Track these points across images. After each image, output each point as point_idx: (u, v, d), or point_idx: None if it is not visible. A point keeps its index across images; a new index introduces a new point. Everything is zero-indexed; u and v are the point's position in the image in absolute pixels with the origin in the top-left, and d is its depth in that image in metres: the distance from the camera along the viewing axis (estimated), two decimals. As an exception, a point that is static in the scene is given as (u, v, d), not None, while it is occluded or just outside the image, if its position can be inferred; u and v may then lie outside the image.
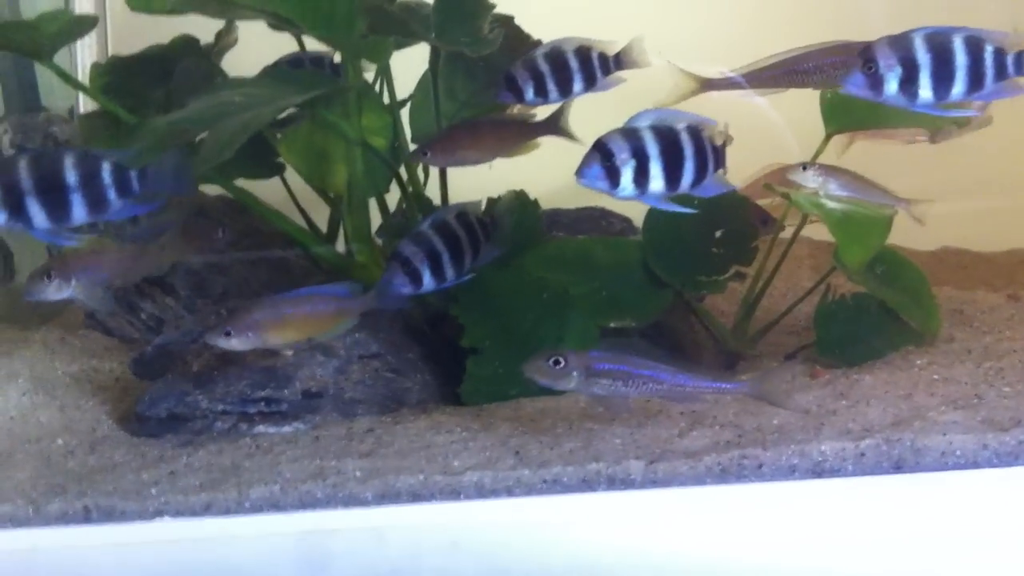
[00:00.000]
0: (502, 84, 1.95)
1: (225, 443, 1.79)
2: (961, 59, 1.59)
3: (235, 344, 1.76)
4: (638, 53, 1.96)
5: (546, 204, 2.41)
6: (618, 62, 1.97)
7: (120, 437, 1.89)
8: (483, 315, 2.06)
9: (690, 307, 2.20)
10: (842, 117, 2.22)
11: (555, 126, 2.01)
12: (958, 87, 1.60)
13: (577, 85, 1.95)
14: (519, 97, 1.94)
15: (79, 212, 1.71)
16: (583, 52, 1.95)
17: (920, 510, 1.46)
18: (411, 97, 2.34)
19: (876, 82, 1.60)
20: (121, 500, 1.62)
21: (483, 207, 2.07)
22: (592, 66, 1.95)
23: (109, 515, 1.61)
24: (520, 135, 2.00)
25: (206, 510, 1.59)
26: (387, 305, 1.88)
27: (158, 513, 1.59)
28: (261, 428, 1.83)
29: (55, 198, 1.69)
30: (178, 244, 2.10)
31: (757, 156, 2.22)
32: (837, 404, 1.72)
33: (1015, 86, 1.64)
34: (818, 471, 1.53)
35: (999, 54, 1.61)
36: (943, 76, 1.59)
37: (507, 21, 2.26)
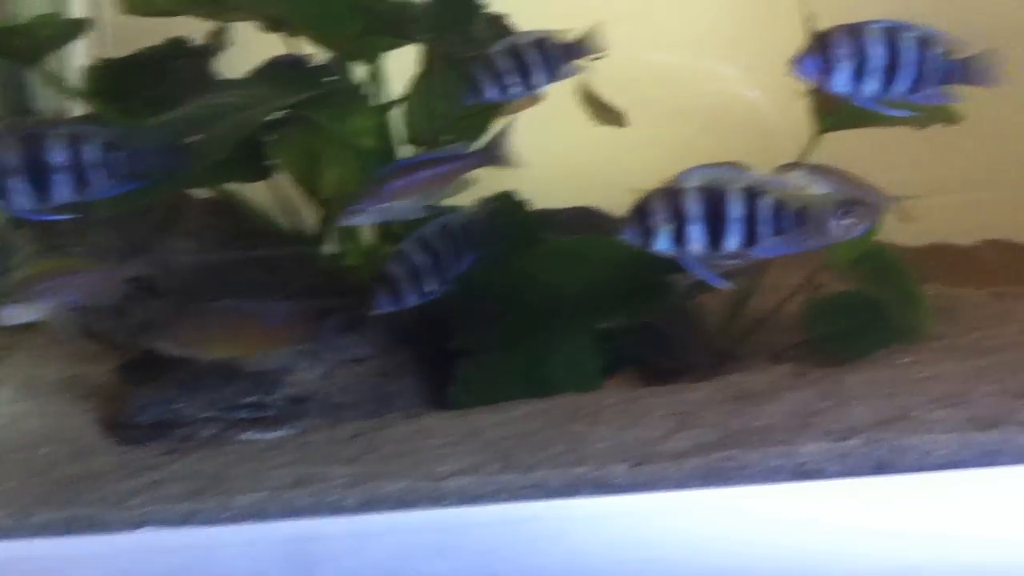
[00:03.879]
0: (464, 87, 1.94)
1: (210, 450, 1.79)
2: (910, 57, 1.59)
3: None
4: (595, 40, 1.96)
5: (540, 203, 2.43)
6: (576, 50, 1.96)
7: (106, 445, 1.88)
8: (474, 317, 2.06)
9: (680, 307, 2.20)
10: (830, 116, 2.22)
11: (492, 156, 1.95)
12: (902, 85, 1.60)
13: (538, 77, 1.94)
14: (481, 97, 1.93)
15: (62, 191, 1.67)
16: (541, 44, 1.94)
17: (900, 511, 1.45)
18: (404, 98, 2.34)
19: (826, 69, 1.60)
20: (104, 510, 1.61)
21: (475, 208, 2.07)
22: (551, 57, 1.94)
23: (92, 525, 1.60)
24: (458, 171, 1.94)
25: (190, 519, 1.58)
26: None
27: (141, 523, 1.58)
28: (247, 434, 1.84)
29: (37, 176, 1.65)
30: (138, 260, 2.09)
31: (749, 151, 2.21)
32: (822, 404, 1.72)
33: (951, 92, 1.67)
34: (802, 472, 1.53)
35: (948, 57, 1.62)
36: (891, 72, 1.59)
37: (498, 20, 2.26)
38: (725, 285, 1.83)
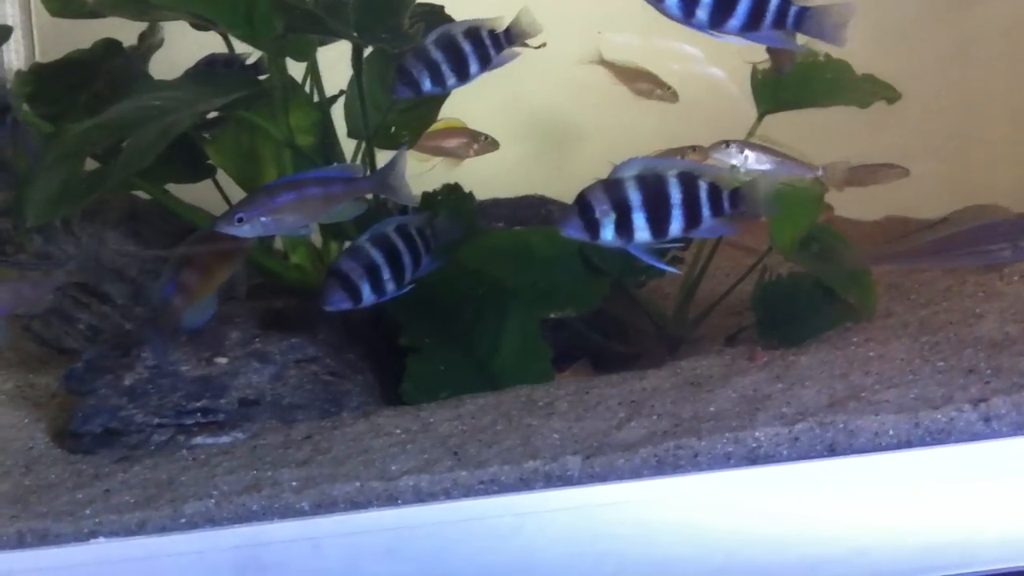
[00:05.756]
0: (396, 79, 1.91)
1: (161, 457, 1.76)
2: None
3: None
4: (527, 24, 1.93)
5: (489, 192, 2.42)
6: (509, 37, 1.94)
7: (56, 455, 1.86)
8: (420, 312, 2.04)
9: (629, 294, 2.19)
10: (773, 96, 2.23)
11: (383, 183, 1.92)
12: (737, 21, 1.58)
13: (473, 67, 1.92)
14: (416, 90, 1.91)
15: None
16: (473, 33, 1.92)
17: (851, 494, 1.46)
18: (343, 93, 2.32)
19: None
20: (55, 522, 1.59)
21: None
22: (485, 45, 1.92)
23: (43, 538, 1.58)
24: (347, 192, 1.90)
25: (141, 528, 1.56)
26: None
27: (92, 534, 1.56)
28: (199, 439, 1.81)
29: None
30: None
31: (716, 128, 2.21)
32: (773, 387, 1.72)
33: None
34: (753, 458, 1.53)
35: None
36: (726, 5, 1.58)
37: (437, 11, 2.24)
38: (672, 270, 1.84)
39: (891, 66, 2.33)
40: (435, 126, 2.43)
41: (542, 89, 2.85)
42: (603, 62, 2.57)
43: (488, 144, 2.57)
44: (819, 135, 2.29)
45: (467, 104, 2.31)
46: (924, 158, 2.89)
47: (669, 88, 2.56)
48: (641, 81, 2.55)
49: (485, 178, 2.37)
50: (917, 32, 2.95)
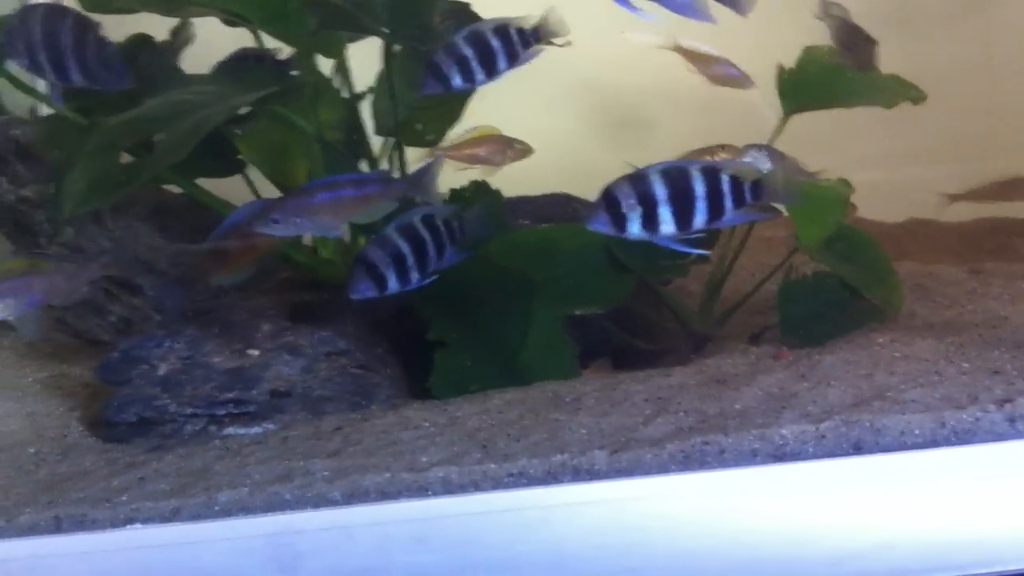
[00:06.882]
0: (426, 74, 1.94)
1: (195, 446, 1.79)
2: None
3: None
4: (555, 24, 1.97)
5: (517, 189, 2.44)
6: (536, 35, 1.97)
7: (90, 444, 1.89)
8: (447, 307, 2.07)
9: (655, 291, 2.21)
10: (799, 95, 2.25)
11: (416, 186, 1.95)
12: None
13: (501, 63, 1.95)
14: (446, 85, 1.94)
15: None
16: (502, 30, 1.95)
17: (878, 491, 1.48)
18: (371, 90, 2.34)
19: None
20: (91, 508, 1.62)
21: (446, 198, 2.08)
22: (512, 42, 1.96)
23: (80, 524, 1.61)
24: (379, 195, 1.94)
25: (175, 515, 1.59)
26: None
27: (128, 520, 1.60)
28: (230, 430, 1.84)
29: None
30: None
31: (732, 131, 2.23)
32: (799, 386, 1.74)
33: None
34: (779, 455, 1.55)
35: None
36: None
37: (463, 9, 2.26)
38: (701, 252, 1.88)
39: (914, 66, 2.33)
40: (470, 133, 2.47)
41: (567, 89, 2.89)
42: (678, 48, 2.58)
43: (522, 150, 2.60)
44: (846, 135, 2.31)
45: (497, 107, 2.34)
46: (949, 160, 2.91)
47: (743, 74, 2.55)
48: (717, 66, 2.55)
49: (518, 178, 2.41)
50: (940, 32, 2.97)
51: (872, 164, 2.71)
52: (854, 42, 2.31)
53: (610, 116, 3.05)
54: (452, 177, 2.31)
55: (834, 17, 2.31)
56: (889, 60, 2.32)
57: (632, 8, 1.69)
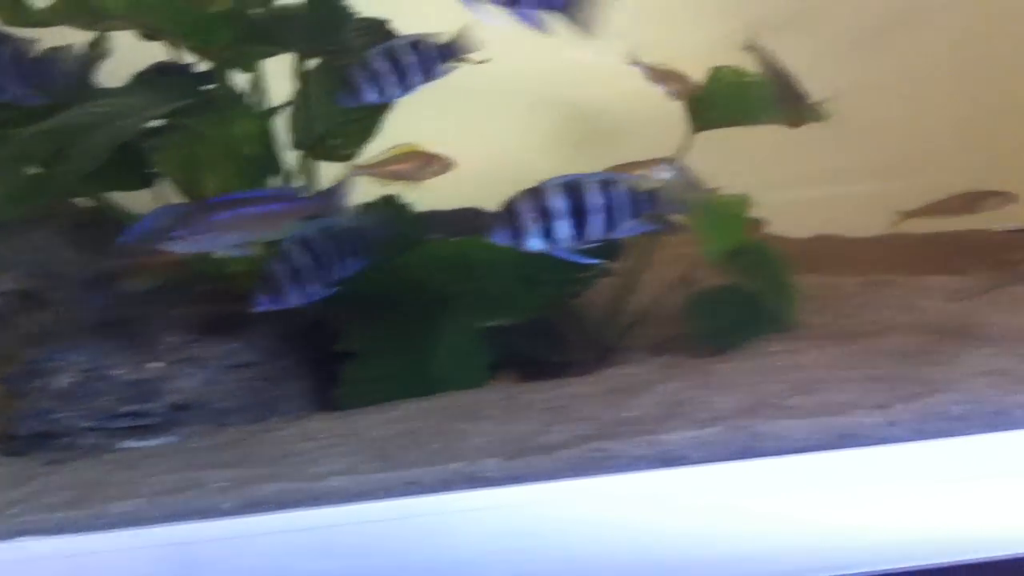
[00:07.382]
0: (340, 88, 1.97)
1: (91, 459, 1.79)
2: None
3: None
4: (466, 41, 2.01)
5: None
6: (450, 51, 2.01)
7: (-11, 457, 1.88)
8: (359, 319, 2.08)
9: (565, 304, 2.24)
10: (706, 114, 2.30)
11: (327, 204, 1.96)
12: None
13: (416, 77, 1.99)
14: (359, 98, 1.97)
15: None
16: (416, 45, 1.99)
17: (757, 494, 1.52)
18: (288, 104, 2.36)
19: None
20: (-17, 521, 1.61)
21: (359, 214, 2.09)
22: (428, 58, 1.99)
23: (-30, 537, 1.60)
24: (288, 212, 1.94)
25: (68, 528, 1.58)
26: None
27: (19, 533, 1.58)
28: (129, 443, 1.84)
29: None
30: None
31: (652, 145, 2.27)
32: (692, 394, 1.78)
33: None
34: (666, 459, 1.58)
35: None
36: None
37: (380, 26, 2.29)
38: (594, 261, 1.90)
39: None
40: (390, 151, 2.49)
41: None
42: (637, 63, 2.63)
43: (442, 165, 2.62)
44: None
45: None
46: (859, 176, 2.98)
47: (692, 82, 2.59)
48: (672, 82, 2.60)
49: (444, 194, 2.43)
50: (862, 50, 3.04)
51: (808, 181, 2.80)
52: (783, 95, 2.35)
53: (571, 130, 3.09)
54: (375, 193, 2.33)
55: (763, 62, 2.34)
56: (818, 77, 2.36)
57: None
